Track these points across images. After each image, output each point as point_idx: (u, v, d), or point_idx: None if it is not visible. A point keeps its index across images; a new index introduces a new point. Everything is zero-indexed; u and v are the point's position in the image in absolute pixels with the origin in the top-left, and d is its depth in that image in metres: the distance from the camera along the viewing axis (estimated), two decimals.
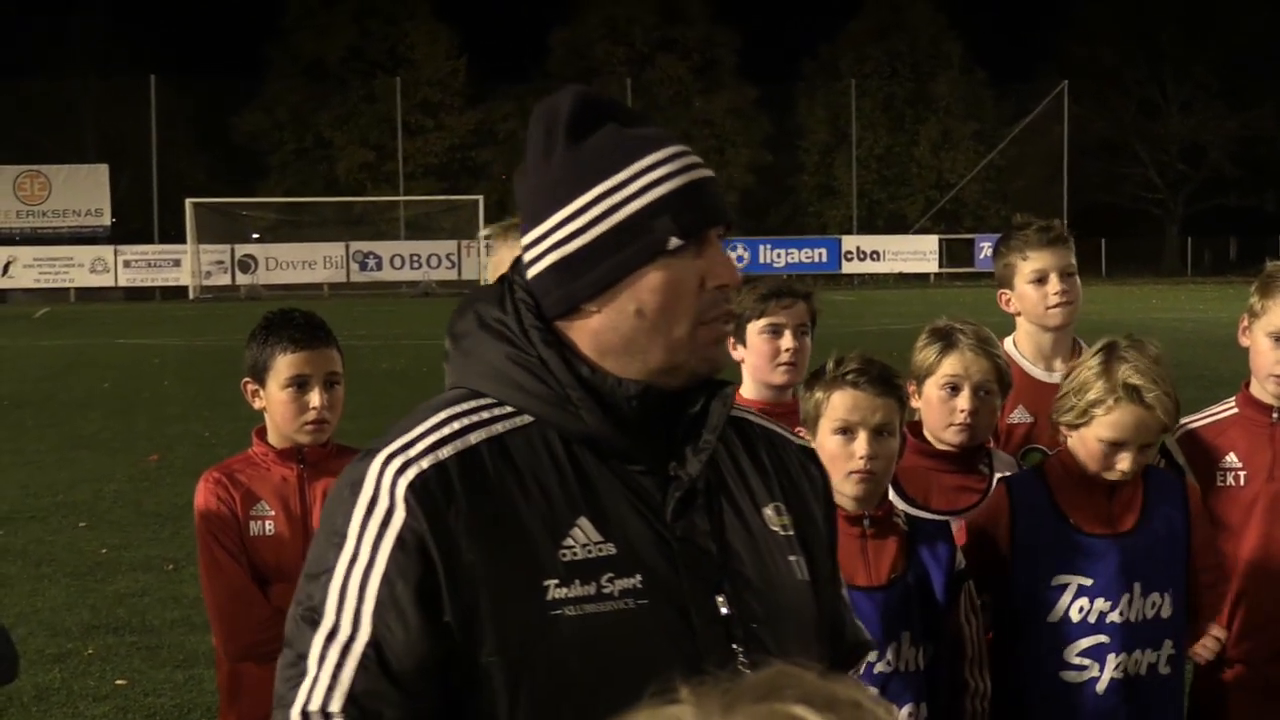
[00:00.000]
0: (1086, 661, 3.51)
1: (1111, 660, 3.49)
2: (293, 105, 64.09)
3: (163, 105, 56.03)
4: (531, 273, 2.15)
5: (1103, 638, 3.50)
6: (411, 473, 2.02)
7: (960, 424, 3.83)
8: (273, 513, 3.97)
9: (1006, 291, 4.40)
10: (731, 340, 4.26)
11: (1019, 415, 4.29)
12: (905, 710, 3.39)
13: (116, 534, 10.87)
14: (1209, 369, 17.93)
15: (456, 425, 2.08)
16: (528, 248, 2.16)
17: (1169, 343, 4.35)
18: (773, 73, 66.45)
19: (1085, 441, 3.58)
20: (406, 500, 2.01)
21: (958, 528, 3.71)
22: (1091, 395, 3.55)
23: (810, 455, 2.39)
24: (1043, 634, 3.53)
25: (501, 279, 2.20)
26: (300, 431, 3.99)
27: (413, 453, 2.04)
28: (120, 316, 39.92)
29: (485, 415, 2.10)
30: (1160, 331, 26.33)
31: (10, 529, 11.11)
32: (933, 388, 3.87)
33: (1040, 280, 4.29)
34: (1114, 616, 3.50)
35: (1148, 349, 3.59)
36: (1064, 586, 3.52)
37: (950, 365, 3.86)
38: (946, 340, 3.90)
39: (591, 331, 2.11)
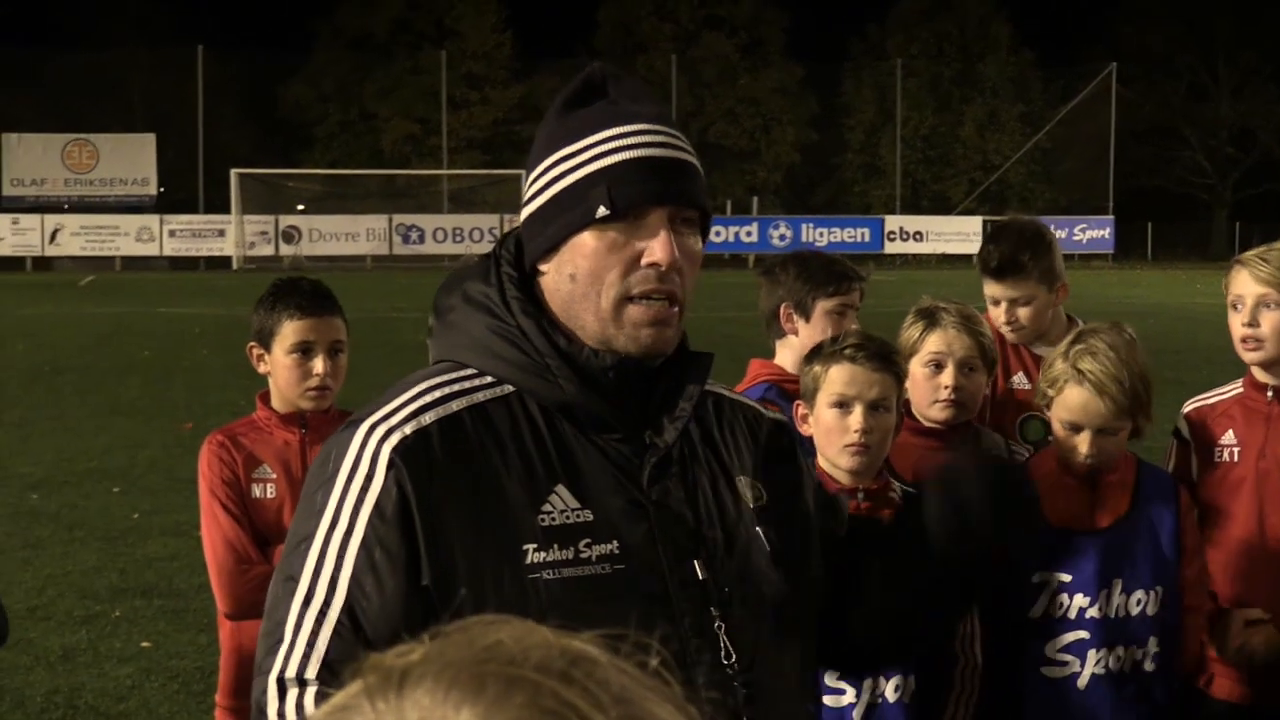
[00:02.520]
0: (1068, 657, 3.54)
1: (1092, 656, 3.52)
2: (338, 77, 64.26)
3: (210, 76, 56.29)
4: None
5: (1082, 633, 3.53)
6: (395, 438, 2.06)
7: (945, 400, 3.87)
8: (274, 476, 4.04)
9: None
10: (788, 311, 4.21)
11: (1020, 380, 4.38)
12: (894, 682, 3.44)
13: (148, 499, 10.99)
14: None
15: (439, 394, 2.13)
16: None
17: (1212, 329, 4.36)
18: (820, 52, 66.24)
19: (1054, 424, 3.64)
20: (390, 465, 2.05)
21: None
22: (1050, 375, 3.61)
23: (782, 427, 2.43)
24: (1025, 630, 3.55)
25: (488, 254, 2.26)
26: (303, 397, 4.05)
27: (395, 420, 2.09)
28: (164, 285, 40.18)
29: (467, 385, 2.15)
30: (1204, 316, 26.14)
31: (44, 493, 11.24)
32: (918, 365, 3.91)
33: None
34: (1093, 612, 3.52)
35: (1117, 335, 3.60)
36: (1043, 584, 3.55)
37: (934, 343, 3.91)
38: (930, 319, 3.95)
39: (547, 292, 2.19)
